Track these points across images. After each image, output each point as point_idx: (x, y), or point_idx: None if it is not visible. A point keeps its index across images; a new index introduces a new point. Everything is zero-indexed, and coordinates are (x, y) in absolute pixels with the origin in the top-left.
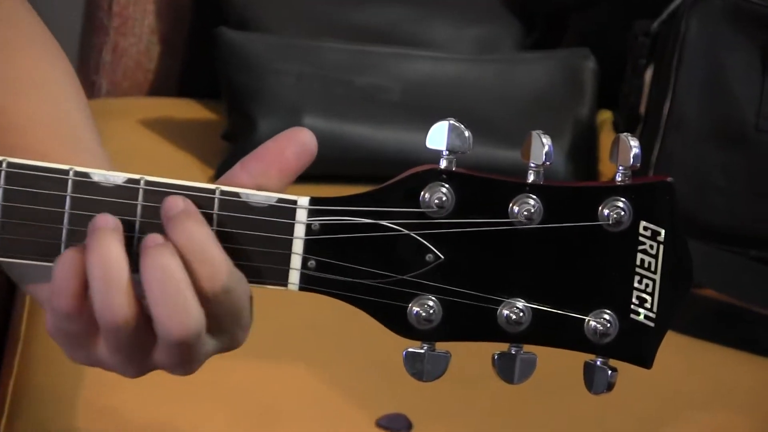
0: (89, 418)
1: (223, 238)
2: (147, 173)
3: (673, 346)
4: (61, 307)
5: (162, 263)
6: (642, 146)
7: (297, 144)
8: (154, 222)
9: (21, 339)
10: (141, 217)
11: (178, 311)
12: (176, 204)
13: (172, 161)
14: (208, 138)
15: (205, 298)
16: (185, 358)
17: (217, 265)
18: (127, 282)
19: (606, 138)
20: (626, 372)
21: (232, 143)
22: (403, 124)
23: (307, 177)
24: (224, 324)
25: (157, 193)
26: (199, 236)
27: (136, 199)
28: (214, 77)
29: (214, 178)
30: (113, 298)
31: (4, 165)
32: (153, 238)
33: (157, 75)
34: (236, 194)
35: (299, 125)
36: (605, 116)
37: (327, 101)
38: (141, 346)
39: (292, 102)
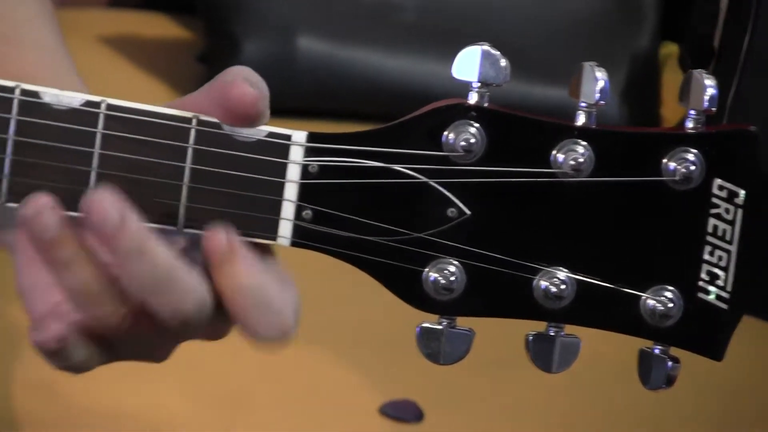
0: (24, 395)
1: (200, 178)
2: None
3: (751, 334)
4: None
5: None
6: None
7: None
8: (116, 155)
9: None
10: (100, 149)
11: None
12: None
13: (135, 86)
14: (180, 59)
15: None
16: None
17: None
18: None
19: (670, 77)
20: (693, 363)
21: (209, 67)
22: (417, 52)
23: (296, 112)
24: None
25: (120, 120)
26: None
27: (96, 126)
28: None
29: None
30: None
31: None
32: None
33: None
34: (218, 125)
35: (292, 47)
36: (670, 50)
37: (327, 19)
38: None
39: (283, 19)
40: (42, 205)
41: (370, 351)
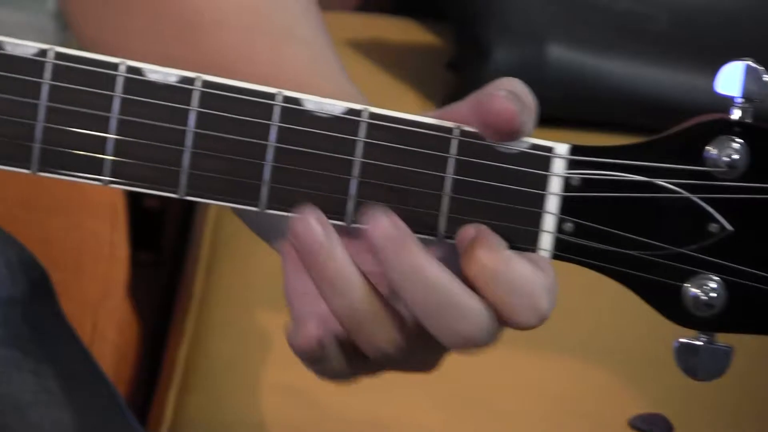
0: (272, 398)
1: (461, 189)
2: None
3: None
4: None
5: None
6: None
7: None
8: (377, 164)
9: (195, 298)
10: (362, 157)
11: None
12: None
13: (384, 92)
14: (429, 66)
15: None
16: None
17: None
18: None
19: None
20: None
21: (458, 74)
22: (669, 62)
23: (544, 120)
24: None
25: (382, 129)
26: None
27: (357, 134)
28: None
29: None
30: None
31: (198, 83)
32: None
33: None
34: (480, 136)
35: (542, 55)
36: None
37: (577, 28)
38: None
39: (534, 27)
40: (310, 215)
41: (621, 363)
